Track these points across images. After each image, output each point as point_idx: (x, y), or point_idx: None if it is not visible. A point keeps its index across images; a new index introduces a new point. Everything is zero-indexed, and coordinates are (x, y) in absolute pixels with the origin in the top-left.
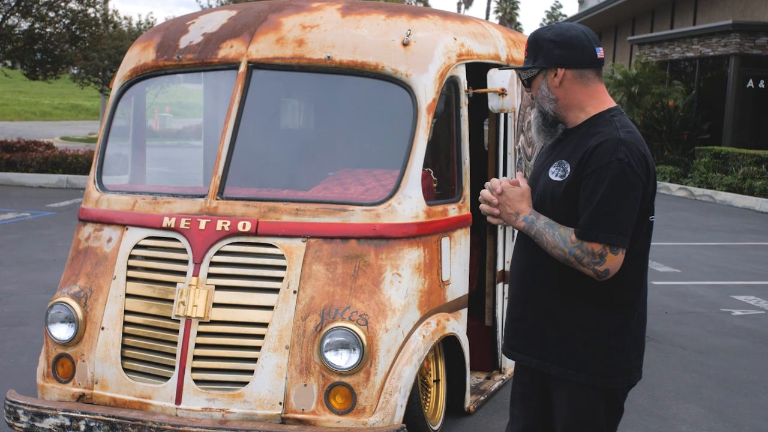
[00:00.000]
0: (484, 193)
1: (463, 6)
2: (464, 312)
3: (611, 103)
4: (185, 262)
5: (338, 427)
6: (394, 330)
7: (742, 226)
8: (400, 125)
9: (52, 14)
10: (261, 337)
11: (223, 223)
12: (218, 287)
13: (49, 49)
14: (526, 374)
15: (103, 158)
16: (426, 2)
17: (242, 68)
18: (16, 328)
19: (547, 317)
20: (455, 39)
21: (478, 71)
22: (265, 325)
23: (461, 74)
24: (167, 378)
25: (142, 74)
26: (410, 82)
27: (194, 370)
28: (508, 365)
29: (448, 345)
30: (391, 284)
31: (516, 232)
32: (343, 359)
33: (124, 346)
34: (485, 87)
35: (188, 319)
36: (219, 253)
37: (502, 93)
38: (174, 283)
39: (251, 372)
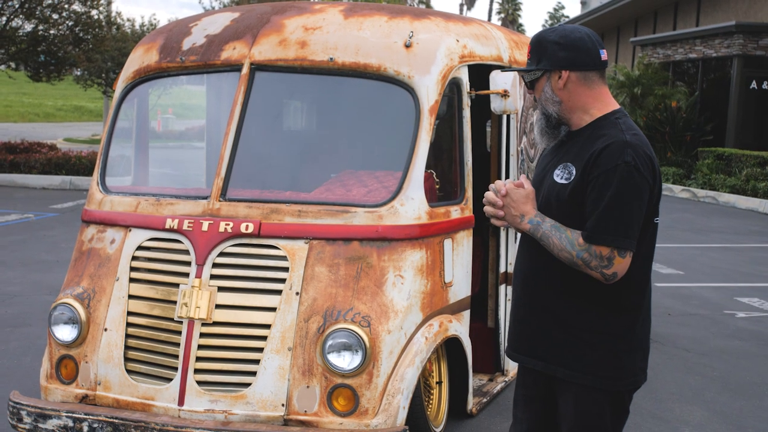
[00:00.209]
0: (489, 195)
1: (465, 7)
2: (467, 314)
3: (615, 106)
4: (188, 263)
5: (341, 428)
6: (396, 332)
7: (745, 228)
8: (403, 127)
9: (55, 16)
10: (264, 338)
11: (226, 224)
12: (221, 289)
13: (52, 51)
14: (530, 376)
15: (106, 160)
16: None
17: (245, 70)
18: (20, 329)
19: (552, 320)
20: (458, 41)
21: (480, 73)
22: (267, 326)
23: (464, 76)
24: (170, 379)
25: (145, 76)
26: (413, 84)
27: (197, 371)
28: (511, 367)
29: (450, 347)
30: (394, 286)
31: (519, 234)
32: (346, 361)
33: (127, 348)
34: (488, 89)
35: (191, 321)
36: (222, 254)
37: (505, 95)
38: (177, 285)
39: (254, 373)
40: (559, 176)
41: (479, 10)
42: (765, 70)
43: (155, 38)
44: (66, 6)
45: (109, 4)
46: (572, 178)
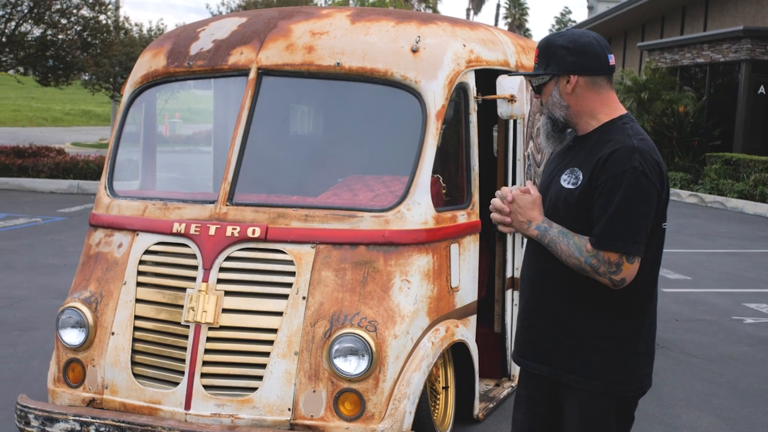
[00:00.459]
0: (495, 201)
1: (472, 12)
2: (473, 319)
3: (622, 110)
4: (195, 267)
5: None
6: (403, 336)
7: (753, 233)
8: (409, 131)
9: (64, 21)
10: (270, 343)
11: (233, 228)
12: (228, 293)
13: (61, 56)
14: (533, 380)
15: (113, 164)
16: (435, 9)
17: (252, 75)
18: (27, 332)
19: (559, 325)
20: (464, 45)
21: (487, 78)
22: (274, 331)
23: (470, 81)
24: (177, 383)
25: (152, 81)
26: (419, 89)
27: (204, 375)
28: (517, 372)
29: (457, 352)
30: (400, 290)
31: (525, 239)
32: (352, 365)
33: (134, 352)
34: (494, 93)
35: (198, 325)
36: (228, 258)
37: (511, 99)
38: (184, 289)
39: (260, 378)
40: (567, 181)
41: (486, 15)
42: None
43: (163, 43)
44: (74, 11)
45: (117, 9)
46: (579, 182)
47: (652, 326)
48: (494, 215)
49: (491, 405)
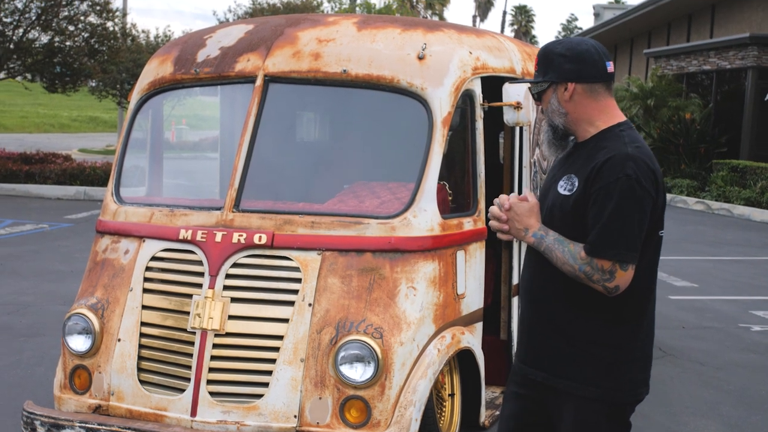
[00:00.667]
0: (493, 209)
1: (478, 19)
2: (479, 326)
3: (621, 118)
4: (201, 274)
5: None
6: (408, 343)
7: (760, 241)
8: (416, 138)
9: (71, 28)
10: (276, 349)
11: (239, 235)
12: (234, 299)
13: (68, 62)
14: (528, 380)
15: (120, 170)
16: (441, 16)
17: (259, 82)
18: (34, 339)
19: (557, 331)
20: (470, 53)
21: (493, 85)
22: (280, 337)
23: (476, 88)
24: (183, 390)
25: (159, 87)
26: (425, 96)
27: (209, 382)
28: None
29: (463, 359)
30: (406, 297)
31: (526, 245)
32: (358, 372)
33: (140, 358)
34: (500, 100)
35: (204, 332)
36: (235, 265)
37: (518, 106)
38: (190, 295)
39: (266, 385)
40: (563, 187)
41: (492, 22)
42: None
43: (170, 50)
44: (82, 18)
45: (124, 16)
46: (575, 189)
47: (649, 332)
48: (492, 223)
49: (497, 412)
